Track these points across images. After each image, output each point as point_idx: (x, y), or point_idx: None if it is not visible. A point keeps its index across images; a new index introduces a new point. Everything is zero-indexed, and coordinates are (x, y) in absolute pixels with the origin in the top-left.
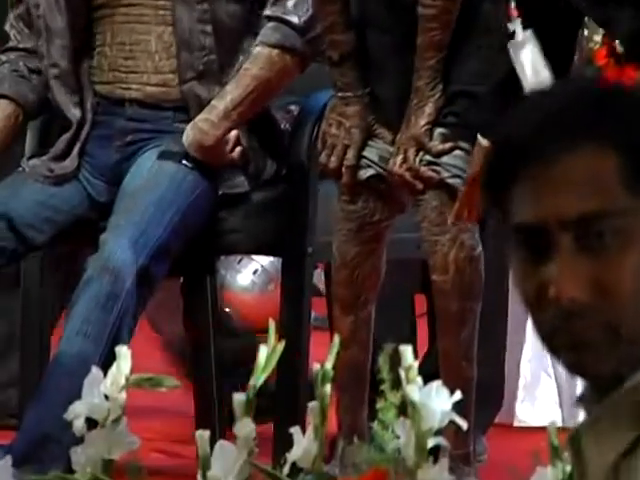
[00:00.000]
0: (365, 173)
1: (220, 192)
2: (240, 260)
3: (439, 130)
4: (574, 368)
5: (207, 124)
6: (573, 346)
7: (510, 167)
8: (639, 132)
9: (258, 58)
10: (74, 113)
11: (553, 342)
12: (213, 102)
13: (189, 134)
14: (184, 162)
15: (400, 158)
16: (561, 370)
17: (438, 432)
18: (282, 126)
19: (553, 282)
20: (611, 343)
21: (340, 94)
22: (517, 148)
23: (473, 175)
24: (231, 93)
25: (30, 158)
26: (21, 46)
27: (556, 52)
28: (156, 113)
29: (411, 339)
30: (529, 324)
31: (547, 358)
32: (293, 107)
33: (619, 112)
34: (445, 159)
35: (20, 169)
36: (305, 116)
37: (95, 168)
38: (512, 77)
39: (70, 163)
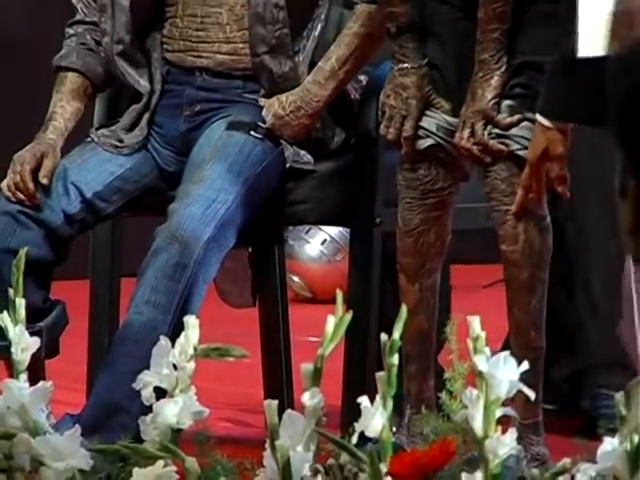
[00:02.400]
0: (424, 143)
1: (288, 165)
2: (308, 230)
3: (506, 102)
4: None
5: (315, 86)
6: None
7: None
8: None
9: (359, 16)
10: (143, 85)
11: None
12: (319, 64)
13: (297, 92)
14: (253, 133)
15: (467, 132)
16: None
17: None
18: (352, 96)
19: None
20: None
21: (398, 65)
22: None
23: (535, 158)
24: (335, 53)
25: (98, 128)
26: (88, 19)
27: None
28: (226, 82)
29: (446, 309)
30: None
31: None
32: (362, 77)
33: None
34: (514, 131)
35: (88, 139)
36: (373, 86)
37: (164, 138)
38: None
39: (139, 133)
